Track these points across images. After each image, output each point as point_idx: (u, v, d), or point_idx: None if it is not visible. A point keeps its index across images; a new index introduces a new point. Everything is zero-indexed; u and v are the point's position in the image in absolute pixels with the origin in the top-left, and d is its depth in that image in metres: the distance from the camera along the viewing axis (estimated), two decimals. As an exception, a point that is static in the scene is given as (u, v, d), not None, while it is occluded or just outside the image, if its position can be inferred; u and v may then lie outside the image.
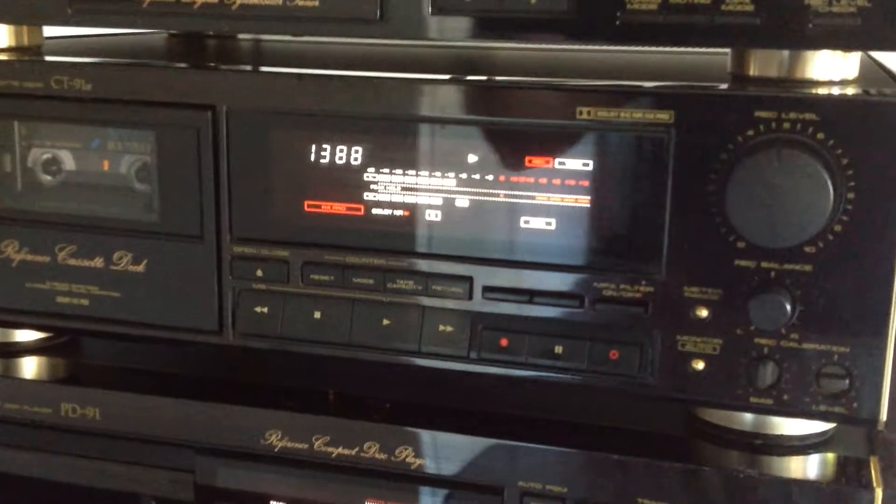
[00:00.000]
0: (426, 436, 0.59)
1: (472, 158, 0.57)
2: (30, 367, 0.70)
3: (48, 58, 0.62)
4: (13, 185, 0.65)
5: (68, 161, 0.64)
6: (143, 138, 0.62)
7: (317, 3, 0.55)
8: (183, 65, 0.60)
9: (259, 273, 0.60)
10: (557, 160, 0.55)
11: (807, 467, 0.57)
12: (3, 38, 0.66)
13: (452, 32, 0.54)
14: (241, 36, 0.86)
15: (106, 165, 0.64)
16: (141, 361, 0.71)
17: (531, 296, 0.56)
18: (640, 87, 0.52)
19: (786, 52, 0.54)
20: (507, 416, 0.62)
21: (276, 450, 0.62)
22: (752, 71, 0.55)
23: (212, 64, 0.59)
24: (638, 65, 0.68)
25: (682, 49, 0.73)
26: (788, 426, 0.58)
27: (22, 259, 0.64)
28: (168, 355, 0.71)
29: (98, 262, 0.63)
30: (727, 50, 0.57)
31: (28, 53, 0.66)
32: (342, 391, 0.65)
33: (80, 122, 0.62)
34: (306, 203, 0.60)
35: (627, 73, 0.62)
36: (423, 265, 0.58)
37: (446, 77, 0.56)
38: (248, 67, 0.59)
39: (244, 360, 0.66)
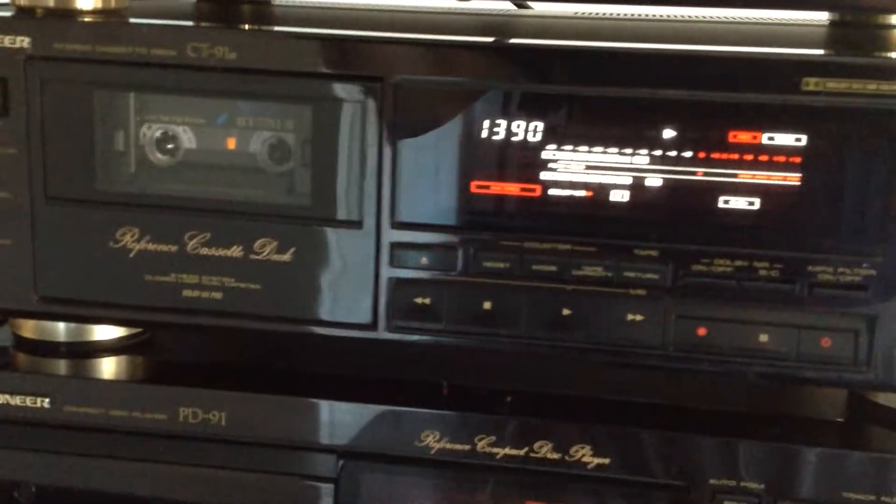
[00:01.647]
0: (605, 431, 0.55)
1: (667, 134, 0.53)
2: (118, 367, 0.63)
3: (183, 23, 0.55)
4: (127, 165, 0.58)
5: (187, 138, 0.58)
6: (282, 113, 0.56)
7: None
8: (349, 32, 0.54)
9: (423, 260, 0.55)
10: (767, 135, 0.52)
11: None
12: (90, 0, 0.59)
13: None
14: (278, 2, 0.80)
15: (232, 143, 0.58)
16: (248, 359, 0.65)
17: (737, 281, 0.52)
18: (880, 57, 0.49)
19: None
20: (675, 408, 0.59)
21: (432, 452, 0.57)
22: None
23: (381, 33, 0.54)
24: (769, 35, 0.65)
25: (771, 20, 0.71)
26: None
27: (143, 249, 0.57)
28: (277, 352, 0.65)
29: (236, 252, 0.57)
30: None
31: (115, 16, 0.59)
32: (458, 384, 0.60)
33: (220, 95, 0.55)
34: (474, 184, 0.55)
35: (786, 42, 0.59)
36: (614, 250, 0.54)
37: (646, 47, 0.52)
38: (422, 36, 0.54)
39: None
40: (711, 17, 0.73)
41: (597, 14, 0.71)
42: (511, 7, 0.76)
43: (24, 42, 0.55)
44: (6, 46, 0.56)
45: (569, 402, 0.59)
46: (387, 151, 0.54)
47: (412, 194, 0.55)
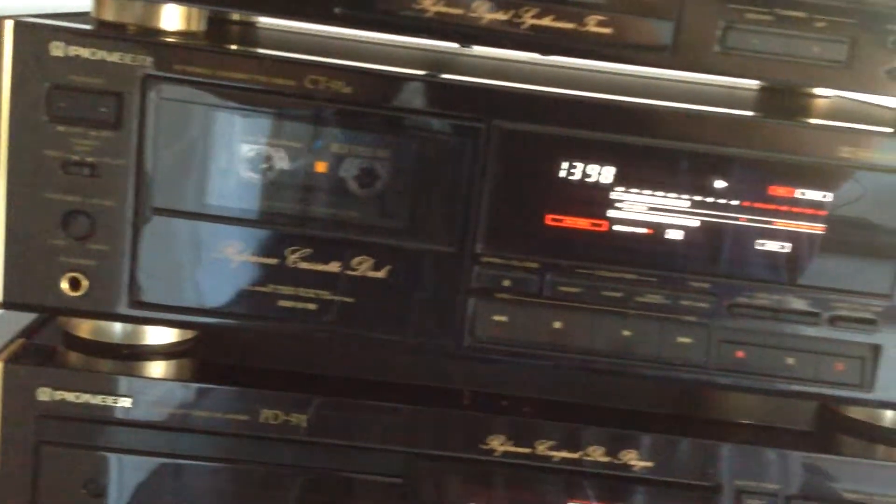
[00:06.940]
0: (650, 439, 0.64)
1: (718, 184, 0.62)
2: (185, 369, 0.66)
3: (304, 56, 0.60)
4: (228, 182, 0.62)
5: (280, 160, 0.62)
6: (381, 143, 0.61)
7: (610, 31, 0.58)
8: (456, 77, 0.61)
9: (506, 283, 0.62)
10: (799, 191, 0.62)
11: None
12: (174, 21, 0.63)
13: (739, 70, 0.60)
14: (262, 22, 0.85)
15: (323, 167, 0.63)
16: (318, 365, 0.69)
17: (773, 312, 0.63)
18: None
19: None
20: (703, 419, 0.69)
21: (496, 454, 0.64)
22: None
23: (484, 80, 0.61)
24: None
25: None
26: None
27: (244, 261, 0.62)
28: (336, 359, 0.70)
29: (334, 267, 0.62)
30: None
31: (194, 38, 0.64)
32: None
33: (329, 124, 0.60)
34: (549, 217, 0.63)
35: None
36: (671, 281, 0.63)
37: (709, 110, 0.62)
38: (523, 86, 0.61)
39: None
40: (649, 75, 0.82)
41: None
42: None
43: (146, 61, 0.59)
44: (127, 63, 0.59)
45: (579, 410, 0.67)
46: (479, 185, 0.61)
47: (497, 224, 0.62)
